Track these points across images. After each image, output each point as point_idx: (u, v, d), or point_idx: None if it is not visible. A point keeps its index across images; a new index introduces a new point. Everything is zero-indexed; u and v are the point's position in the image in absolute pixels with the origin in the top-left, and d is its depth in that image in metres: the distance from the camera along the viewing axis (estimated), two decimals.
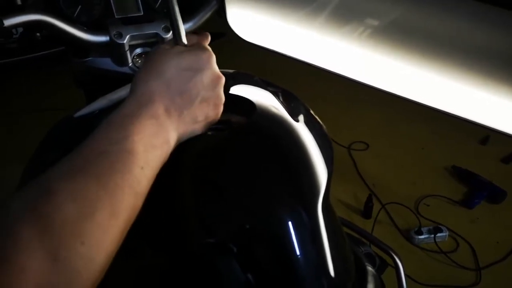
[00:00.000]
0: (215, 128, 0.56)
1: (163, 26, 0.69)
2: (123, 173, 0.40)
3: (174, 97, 0.48)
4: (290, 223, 0.51)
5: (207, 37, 0.55)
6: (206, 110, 0.51)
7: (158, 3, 0.73)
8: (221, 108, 0.53)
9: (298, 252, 0.51)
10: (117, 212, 0.38)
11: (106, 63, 0.71)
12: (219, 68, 0.52)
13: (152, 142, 0.44)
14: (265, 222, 0.51)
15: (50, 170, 0.39)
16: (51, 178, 0.38)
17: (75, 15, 0.68)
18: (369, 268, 0.69)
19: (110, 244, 0.37)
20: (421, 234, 1.73)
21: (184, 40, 0.53)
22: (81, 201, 0.36)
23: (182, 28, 0.53)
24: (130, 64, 0.70)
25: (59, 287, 0.32)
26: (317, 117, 0.67)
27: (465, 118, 0.65)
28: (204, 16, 0.74)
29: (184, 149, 0.50)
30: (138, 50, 0.70)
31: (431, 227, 1.76)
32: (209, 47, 0.52)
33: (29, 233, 0.33)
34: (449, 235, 1.76)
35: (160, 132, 0.46)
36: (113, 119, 0.44)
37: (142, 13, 0.72)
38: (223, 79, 0.52)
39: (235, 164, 0.53)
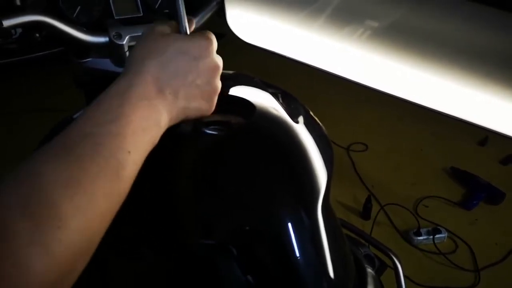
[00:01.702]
0: (214, 128, 0.56)
1: None
2: (107, 157, 0.38)
3: (169, 78, 0.47)
4: (290, 225, 0.51)
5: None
6: (200, 99, 0.50)
7: (158, 3, 0.73)
8: (215, 101, 0.52)
9: (298, 254, 0.51)
10: (98, 197, 0.37)
11: (106, 63, 0.70)
12: None
13: (142, 125, 0.42)
14: (265, 223, 0.51)
15: (37, 152, 0.38)
16: (36, 160, 0.37)
17: (75, 15, 0.68)
18: (369, 270, 0.69)
19: (89, 229, 0.36)
20: (420, 235, 1.73)
21: (187, 31, 0.52)
22: (61, 184, 0.35)
23: (185, 18, 0.52)
24: None
25: (35, 269, 0.31)
26: (316, 119, 0.67)
27: (463, 120, 0.65)
28: (204, 17, 0.74)
29: (184, 149, 0.50)
30: None
31: (430, 228, 1.77)
32: (213, 36, 0.50)
33: (9, 216, 0.32)
34: (448, 236, 1.76)
35: (151, 114, 0.44)
36: (103, 99, 0.43)
37: (141, 14, 0.72)
38: (220, 69, 0.51)
39: (235, 165, 0.53)
